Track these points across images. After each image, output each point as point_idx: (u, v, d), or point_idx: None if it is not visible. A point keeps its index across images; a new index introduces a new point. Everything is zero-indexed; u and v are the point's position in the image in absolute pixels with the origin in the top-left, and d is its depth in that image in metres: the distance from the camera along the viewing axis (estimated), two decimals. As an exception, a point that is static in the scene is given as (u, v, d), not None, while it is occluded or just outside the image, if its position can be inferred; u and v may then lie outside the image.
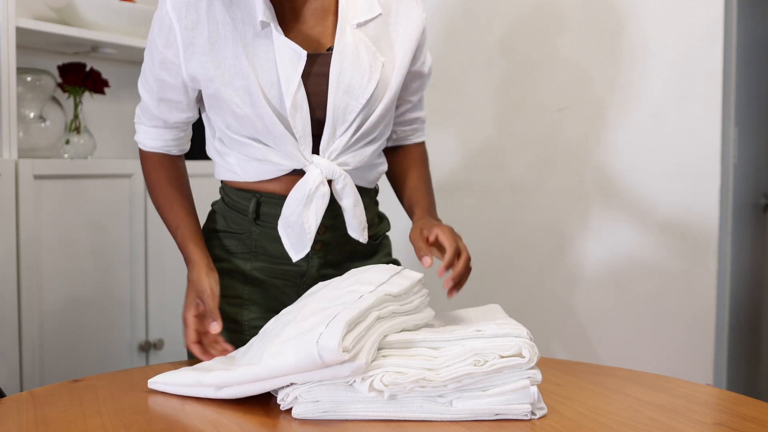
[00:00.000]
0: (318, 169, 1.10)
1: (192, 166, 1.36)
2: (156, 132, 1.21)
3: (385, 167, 1.27)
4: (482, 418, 0.88)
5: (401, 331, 0.95)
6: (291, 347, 0.87)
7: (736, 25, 2.13)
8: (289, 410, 0.90)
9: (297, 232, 1.12)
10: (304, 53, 1.07)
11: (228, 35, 1.07)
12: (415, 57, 1.20)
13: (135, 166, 2.04)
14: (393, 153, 1.34)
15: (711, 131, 2.04)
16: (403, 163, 1.33)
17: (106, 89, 2.20)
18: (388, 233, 1.34)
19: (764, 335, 2.62)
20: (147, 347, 2.08)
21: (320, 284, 1.09)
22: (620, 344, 2.18)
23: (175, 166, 1.23)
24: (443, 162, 2.40)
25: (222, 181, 1.25)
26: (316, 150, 1.12)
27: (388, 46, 1.15)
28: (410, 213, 1.27)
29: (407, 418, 0.88)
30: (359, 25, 1.13)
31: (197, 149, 1.35)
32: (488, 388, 0.88)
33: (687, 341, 2.09)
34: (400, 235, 1.35)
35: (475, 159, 2.41)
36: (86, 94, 2.20)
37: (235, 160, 1.16)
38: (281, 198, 1.14)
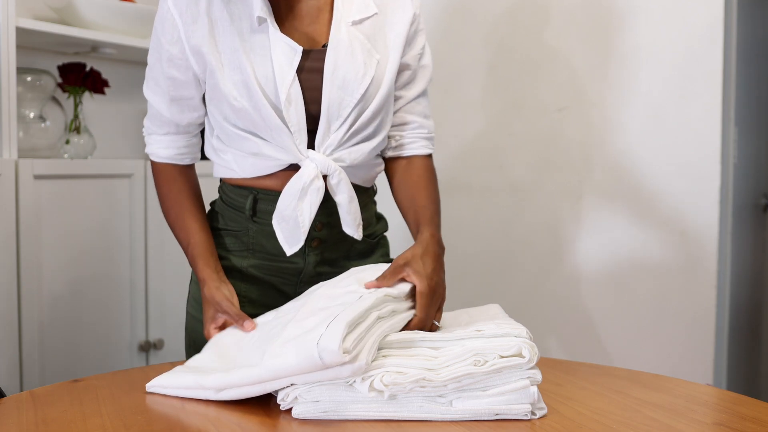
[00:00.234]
0: (313, 163, 1.11)
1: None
2: (168, 140, 1.21)
3: (381, 167, 1.27)
4: (482, 418, 0.88)
5: (402, 330, 0.95)
6: (291, 348, 0.87)
7: (736, 25, 2.13)
8: (289, 410, 0.90)
9: (291, 225, 1.13)
10: (300, 48, 1.10)
11: (226, 30, 1.10)
12: (404, 50, 1.21)
13: (135, 166, 2.04)
14: (396, 163, 1.27)
15: (711, 131, 2.04)
16: (409, 176, 1.25)
17: (106, 89, 2.20)
18: (385, 234, 1.34)
19: (764, 335, 2.62)
20: (147, 347, 2.08)
21: (320, 283, 1.09)
22: (620, 344, 2.18)
23: (187, 179, 1.24)
24: (443, 162, 2.40)
25: (220, 180, 1.26)
26: (312, 146, 1.13)
27: (384, 46, 1.17)
28: (415, 228, 1.19)
29: (407, 418, 0.88)
30: (354, 23, 1.15)
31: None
32: (488, 388, 0.88)
33: (687, 341, 2.09)
34: (398, 235, 1.35)
35: (475, 159, 2.41)
36: (86, 94, 2.20)
37: (232, 157, 1.17)
38: (278, 194, 1.14)
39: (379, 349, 0.90)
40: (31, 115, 2.03)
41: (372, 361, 0.87)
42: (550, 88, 2.27)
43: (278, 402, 0.91)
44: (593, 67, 2.19)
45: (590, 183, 2.21)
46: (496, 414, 0.88)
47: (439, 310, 1.04)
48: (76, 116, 2.14)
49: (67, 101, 2.16)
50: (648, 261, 2.12)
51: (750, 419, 0.89)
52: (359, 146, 1.16)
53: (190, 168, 1.25)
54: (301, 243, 1.14)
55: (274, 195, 1.16)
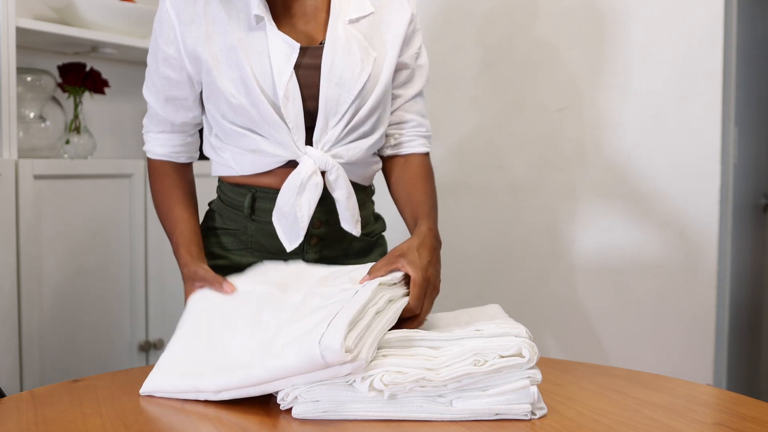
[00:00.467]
0: (311, 159, 1.12)
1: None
2: (164, 138, 1.22)
3: (379, 166, 1.27)
4: (482, 418, 0.88)
5: (402, 328, 0.95)
6: (291, 349, 0.87)
7: (736, 25, 2.13)
8: (289, 410, 0.90)
9: (290, 221, 1.13)
10: (297, 45, 1.11)
11: (223, 28, 1.11)
12: (401, 50, 1.22)
13: (135, 166, 2.04)
14: (394, 161, 1.27)
15: (711, 131, 2.04)
16: (407, 173, 1.25)
17: (106, 89, 2.20)
18: (383, 234, 1.34)
19: (764, 335, 2.62)
20: (147, 347, 2.08)
21: (305, 267, 1.10)
22: (620, 344, 2.18)
23: (181, 175, 1.24)
24: (443, 162, 2.40)
25: (219, 179, 1.26)
26: (310, 143, 1.14)
27: (380, 44, 1.18)
28: (412, 223, 1.19)
29: (407, 418, 0.88)
30: (351, 22, 1.16)
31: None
32: (488, 388, 0.88)
33: (687, 341, 2.09)
34: (395, 235, 1.35)
35: (474, 159, 2.41)
36: (86, 94, 2.20)
37: (230, 155, 1.17)
38: (276, 192, 1.15)
39: (379, 348, 0.90)
40: (31, 115, 2.03)
41: (372, 361, 0.87)
42: (550, 88, 2.27)
43: (278, 402, 0.91)
44: (593, 67, 2.19)
45: (590, 183, 2.21)
46: (496, 414, 0.88)
47: (430, 301, 1.03)
48: (76, 116, 2.14)
49: (67, 101, 2.16)
50: (648, 261, 2.12)
51: (750, 419, 0.89)
52: (357, 143, 1.16)
53: (186, 166, 1.26)
54: (301, 238, 1.14)
55: (272, 193, 1.16)
